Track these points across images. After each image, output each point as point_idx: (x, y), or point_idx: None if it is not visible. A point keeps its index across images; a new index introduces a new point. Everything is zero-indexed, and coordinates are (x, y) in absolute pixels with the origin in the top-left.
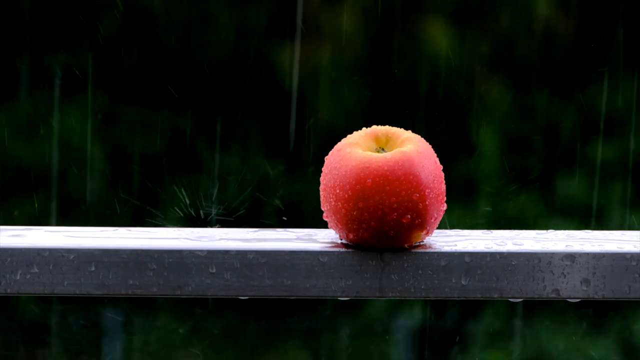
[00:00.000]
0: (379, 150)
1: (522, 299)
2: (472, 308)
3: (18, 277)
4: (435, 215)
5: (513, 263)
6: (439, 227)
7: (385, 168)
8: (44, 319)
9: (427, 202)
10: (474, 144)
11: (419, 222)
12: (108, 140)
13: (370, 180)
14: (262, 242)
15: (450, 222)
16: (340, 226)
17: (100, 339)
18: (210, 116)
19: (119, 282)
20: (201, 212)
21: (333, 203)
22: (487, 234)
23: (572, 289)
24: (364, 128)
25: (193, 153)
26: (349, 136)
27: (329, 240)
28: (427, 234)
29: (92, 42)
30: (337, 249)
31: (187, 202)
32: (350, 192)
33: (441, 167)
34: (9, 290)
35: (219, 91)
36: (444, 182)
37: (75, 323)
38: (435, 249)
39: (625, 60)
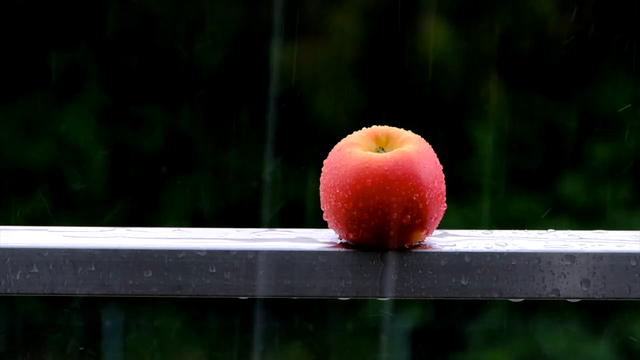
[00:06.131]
0: (379, 150)
1: (522, 299)
2: (472, 308)
3: (18, 277)
4: (435, 215)
5: (513, 263)
6: (439, 227)
7: (385, 168)
8: (44, 318)
9: (427, 202)
10: (473, 143)
11: (419, 222)
12: (108, 140)
13: (370, 180)
14: (262, 242)
15: (450, 222)
16: (340, 226)
17: (99, 338)
18: (210, 116)
19: (119, 282)
20: (201, 212)
21: (333, 203)
22: (487, 234)
23: (572, 289)
24: (364, 128)
25: (193, 152)
26: (349, 136)
27: (329, 240)
28: (427, 234)
29: (93, 42)
30: (337, 249)
31: (187, 201)
32: (350, 192)
33: (441, 167)
34: (9, 290)
35: (219, 91)
36: (444, 182)
37: (75, 323)
38: (435, 249)
39: (625, 60)
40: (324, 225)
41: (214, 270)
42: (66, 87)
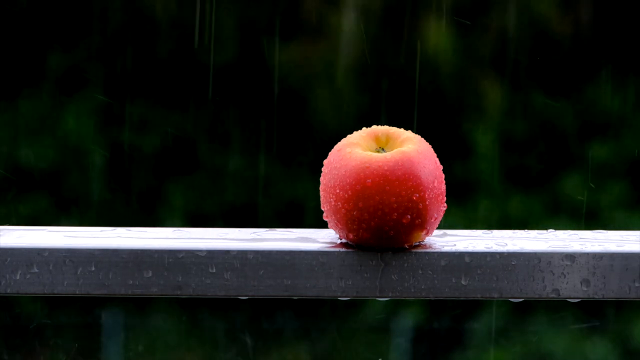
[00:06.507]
0: (379, 150)
1: (522, 299)
2: (472, 308)
3: (18, 277)
4: (435, 215)
5: (513, 263)
6: (439, 227)
7: (385, 168)
8: (44, 318)
9: (427, 202)
10: (473, 143)
11: (419, 222)
12: (108, 140)
13: (370, 180)
14: (262, 242)
15: (450, 222)
16: (340, 226)
17: (99, 338)
18: (210, 116)
19: (119, 282)
20: (201, 211)
21: (333, 203)
22: (487, 234)
23: (572, 289)
24: (364, 128)
25: (193, 152)
26: (349, 136)
27: (329, 240)
28: (427, 234)
29: (93, 42)
30: (337, 249)
31: (187, 201)
32: (350, 192)
33: (441, 167)
34: (9, 290)
35: (219, 91)
36: (444, 182)
37: (74, 323)
38: (435, 249)
39: (625, 60)
40: (324, 225)
41: (214, 270)
42: (66, 87)
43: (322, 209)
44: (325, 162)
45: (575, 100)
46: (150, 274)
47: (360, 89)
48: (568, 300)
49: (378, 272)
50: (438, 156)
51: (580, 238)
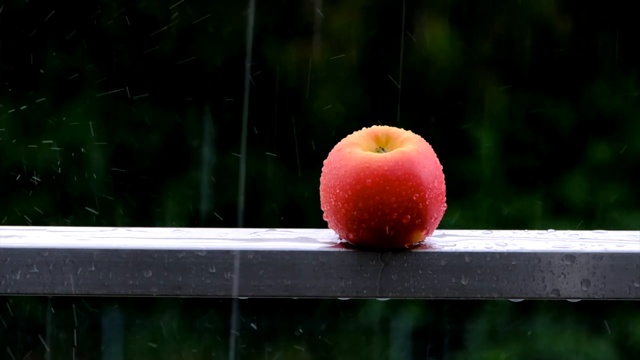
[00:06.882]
0: (379, 150)
1: (522, 299)
2: (472, 308)
3: (18, 277)
4: (435, 215)
5: (513, 263)
6: (439, 227)
7: (385, 168)
8: (44, 318)
9: (427, 202)
10: (473, 143)
11: (419, 222)
12: (108, 140)
13: (370, 180)
14: (262, 242)
15: (449, 222)
16: (340, 226)
17: (99, 339)
18: (211, 115)
19: (119, 282)
20: (201, 211)
21: (333, 203)
22: (487, 234)
23: (572, 289)
24: (364, 128)
25: (193, 152)
26: (349, 136)
27: (329, 240)
28: (427, 234)
29: (93, 42)
30: (337, 249)
31: (187, 201)
32: (350, 192)
33: (441, 167)
34: (9, 290)
35: (218, 91)
36: (444, 182)
37: (74, 323)
38: (435, 249)
39: (625, 60)
40: (324, 225)
41: (214, 270)
42: (66, 86)
43: (322, 209)
44: (325, 162)
45: (576, 100)
46: (150, 274)
47: (360, 89)
48: (568, 300)
49: (378, 272)
50: (438, 156)
51: (580, 238)
